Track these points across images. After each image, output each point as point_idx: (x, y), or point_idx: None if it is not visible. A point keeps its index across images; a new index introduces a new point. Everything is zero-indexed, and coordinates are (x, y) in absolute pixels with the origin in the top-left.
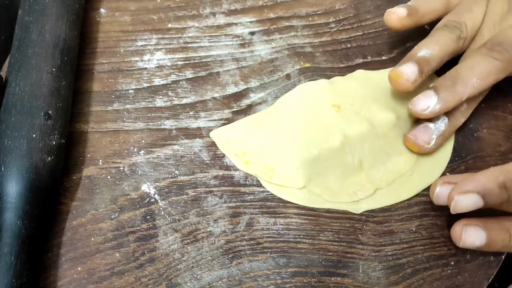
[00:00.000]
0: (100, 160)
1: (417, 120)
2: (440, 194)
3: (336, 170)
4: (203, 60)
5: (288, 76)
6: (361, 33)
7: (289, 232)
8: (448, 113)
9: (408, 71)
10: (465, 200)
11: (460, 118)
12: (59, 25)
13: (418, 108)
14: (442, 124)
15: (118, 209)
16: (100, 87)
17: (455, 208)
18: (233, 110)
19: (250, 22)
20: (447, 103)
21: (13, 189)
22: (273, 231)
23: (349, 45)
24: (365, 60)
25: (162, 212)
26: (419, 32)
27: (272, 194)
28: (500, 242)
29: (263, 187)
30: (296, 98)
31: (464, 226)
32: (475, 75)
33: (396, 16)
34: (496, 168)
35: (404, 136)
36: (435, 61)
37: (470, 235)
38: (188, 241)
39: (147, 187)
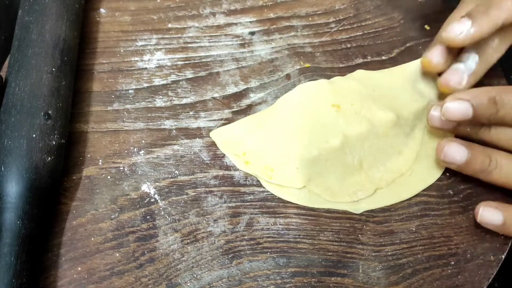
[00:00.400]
0: (100, 160)
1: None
2: (433, 115)
3: (336, 170)
4: (203, 60)
5: (288, 76)
6: (361, 33)
7: (289, 232)
8: (479, 51)
9: (436, 55)
10: (456, 105)
11: (493, 55)
12: (59, 25)
13: (452, 33)
14: (472, 63)
15: (118, 209)
16: (100, 87)
17: (445, 113)
18: (233, 110)
19: (250, 22)
20: (481, 27)
21: (13, 189)
22: (273, 231)
23: (349, 45)
24: (365, 60)
25: (162, 212)
26: (420, 31)
27: (272, 194)
28: (480, 164)
29: (263, 187)
30: (296, 98)
31: (448, 141)
32: None
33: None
34: (490, 86)
35: (437, 82)
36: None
37: (452, 149)
38: (188, 241)
39: (147, 187)
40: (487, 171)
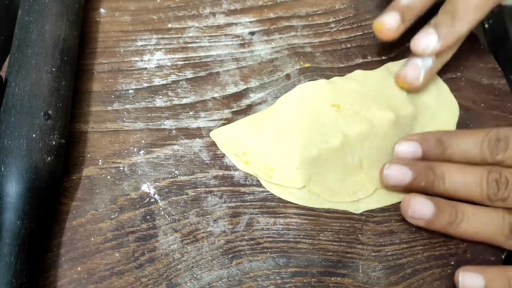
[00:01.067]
0: (100, 160)
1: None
2: (387, 173)
3: (336, 170)
4: (203, 60)
5: (288, 76)
6: (361, 33)
7: (289, 232)
8: None
9: (390, 20)
10: (406, 145)
11: (449, 53)
12: (59, 25)
13: (420, 47)
14: (429, 60)
15: (118, 209)
16: (100, 87)
17: (396, 151)
18: (233, 110)
19: (250, 22)
20: (447, 41)
21: (13, 189)
22: (273, 231)
23: (349, 45)
24: (365, 60)
25: (162, 212)
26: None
27: (272, 194)
28: (448, 216)
29: (263, 187)
30: (296, 98)
31: (412, 196)
32: (472, 8)
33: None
34: (437, 130)
35: (395, 76)
36: (418, 8)
37: (419, 204)
38: (188, 241)
39: (147, 187)
40: (456, 223)
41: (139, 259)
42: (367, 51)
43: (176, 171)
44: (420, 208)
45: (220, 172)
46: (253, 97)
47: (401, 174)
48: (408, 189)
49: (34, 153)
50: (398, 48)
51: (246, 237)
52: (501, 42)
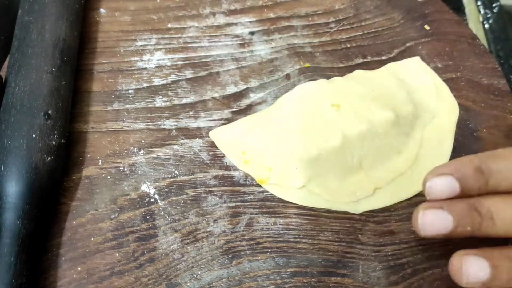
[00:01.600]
0: (100, 160)
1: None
2: (424, 221)
3: (336, 170)
4: (203, 60)
5: (288, 76)
6: (361, 33)
7: (289, 232)
8: None
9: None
10: (440, 182)
11: None
12: (59, 25)
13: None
14: None
15: (118, 209)
16: (100, 87)
17: (430, 193)
18: (233, 110)
19: (250, 22)
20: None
21: (13, 189)
22: (273, 231)
23: (349, 45)
24: (365, 60)
25: (162, 212)
26: (420, 31)
27: (272, 194)
28: (507, 272)
29: (263, 187)
30: (296, 98)
31: (464, 256)
32: None
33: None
34: (470, 155)
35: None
36: None
37: (473, 265)
38: (188, 241)
39: (147, 187)
40: None
41: (139, 259)
42: (367, 51)
43: (176, 171)
44: (476, 271)
45: (220, 172)
46: (253, 97)
47: (441, 222)
48: (451, 237)
49: (34, 153)
50: (398, 48)
51: (246, 237)
52: (501, 42)
